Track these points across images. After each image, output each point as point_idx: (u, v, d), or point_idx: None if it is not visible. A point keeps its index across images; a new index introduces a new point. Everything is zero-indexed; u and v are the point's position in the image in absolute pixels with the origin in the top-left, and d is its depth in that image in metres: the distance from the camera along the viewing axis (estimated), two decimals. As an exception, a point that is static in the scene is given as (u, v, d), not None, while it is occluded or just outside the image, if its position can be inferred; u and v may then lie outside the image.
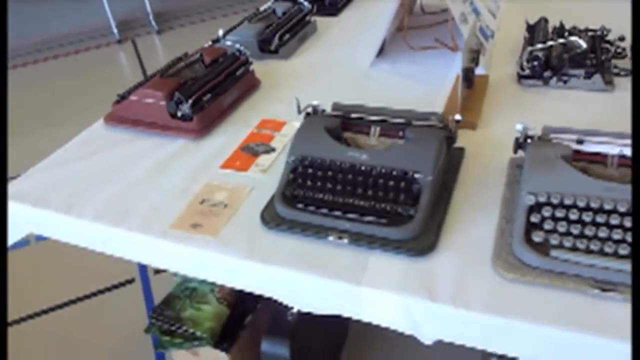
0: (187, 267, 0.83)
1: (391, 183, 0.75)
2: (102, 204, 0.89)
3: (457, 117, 0.84)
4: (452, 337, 0.69)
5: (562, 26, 1.17)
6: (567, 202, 0.68)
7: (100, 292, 1.62)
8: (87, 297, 1.61)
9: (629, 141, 0.74)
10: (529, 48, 1.05)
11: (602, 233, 0.65)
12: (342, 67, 1.25)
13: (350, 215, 0.75)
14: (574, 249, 0.65)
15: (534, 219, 0.68)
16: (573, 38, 1.03)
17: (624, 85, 1.05)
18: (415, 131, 0.81)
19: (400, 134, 0.83)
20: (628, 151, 0.73)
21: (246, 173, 0.92)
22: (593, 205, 0.67)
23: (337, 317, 0.75)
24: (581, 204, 0.67)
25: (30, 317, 1.57)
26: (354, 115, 0.87)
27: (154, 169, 0.96)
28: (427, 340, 0.70)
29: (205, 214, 0.84)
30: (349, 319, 0.73)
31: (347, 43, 1.36)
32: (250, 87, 1.15)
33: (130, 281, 1.63)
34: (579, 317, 0.62)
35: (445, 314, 0.66)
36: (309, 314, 0.76)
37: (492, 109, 1.03)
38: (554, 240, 0.66)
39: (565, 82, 1.05)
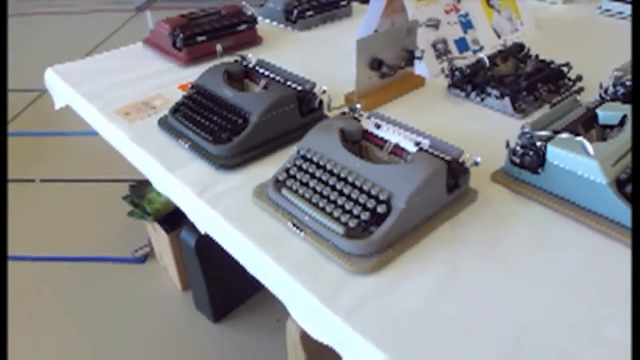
0: (111, 139, 1.16)
1: (230, 116, 0.98)
2: (97, 88, 1.27)
3: (323, 88, 1.02)
4: (205, 229, 0.90)
5: (526, 53, 1.20)
6: (315, 159, 0.83)
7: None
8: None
9: (409, 135, 0.85)
10: (452, 60, 1.13)
11: (319, 187, 0.80)
12: (334, 48, 1.44)
13: (196, 130, 0.99)
14: (295, 192, 0.82)
15: (288, 165, 0.86)
16: (482, 55, 1.09)
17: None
18: (276, 86, 1.02)
19: (270, 87, 1.03)
20: (403, 143, 0.84)
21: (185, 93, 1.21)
22: (328, 167, 0.82)
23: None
24: (321, 163, 0.82)
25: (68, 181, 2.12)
26: (257, 68, 1.10)
27: (144, 77, 1.31)
28: (202, 231, 0.93)
29: (139, 109, 1.16)
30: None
31: (364, 30, 1.54)
32: (250, 42, 1.43)
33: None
34: (268, 238, 0.79)
35: (201, 208, 0.88)
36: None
37: (403, 103, 1.15)
38: (288, 182, 0.83)
39: (482, 99, 1.11)
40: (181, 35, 1.31)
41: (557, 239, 0.77)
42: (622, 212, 0.76)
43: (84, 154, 2.33)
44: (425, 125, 1.05)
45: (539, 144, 0.82)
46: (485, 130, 1.05)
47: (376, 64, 1.11)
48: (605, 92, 1.03)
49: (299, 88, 1.01)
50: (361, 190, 0.77)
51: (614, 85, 1.02)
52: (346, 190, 0.78)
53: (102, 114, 1.16)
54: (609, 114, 0.90)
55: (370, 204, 0.75)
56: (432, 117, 1.10)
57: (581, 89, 1.13)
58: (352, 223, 0.74)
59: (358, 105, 0.94)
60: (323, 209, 0.78)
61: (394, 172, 0.77)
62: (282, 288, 0.76)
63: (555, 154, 0.80)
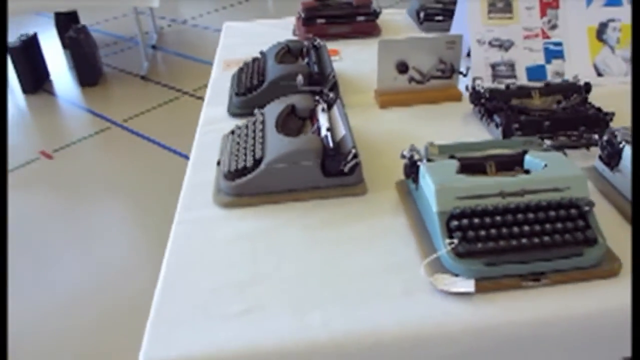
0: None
1: (258, 79, 1.23)
2: (234, 43, 1.65)
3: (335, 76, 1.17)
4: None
5: (578, 94, 1.07)
6: (258, 120, 1.03)
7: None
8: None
9: (336, 124, 0.96)
10: (475, 79, 1.11)
11: (241, 140, 1.00)
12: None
13: (238, 84, 1.27)
14: (233, 140, 1.03)
15: (246, 121, 1.07)
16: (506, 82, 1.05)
17: (530, 157, 0.99)
18: (301, 65, 1.21)
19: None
20: (322, 128, 0.96)
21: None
22: (257, 127, 1.00)
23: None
24: (257, 124, 1.01)
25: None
26: (310, 50, 1.30)
27: (270, 42, 1.61)
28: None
29: (238, 64, 1.49)
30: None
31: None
32: (366, 32, 1.60)
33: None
34: (202, 164, 1.04)
35: (198, 133, 1.17)
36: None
37: (420, 109, 1.19)
38: (237, 132, 1.05)
39: (488, 123, 1.08)
40: (304, 16, 1.58)
41: (382, 244, 0.81)
42: (438, 241, 0.75)
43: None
44: (419, 132, 1.10)
45: (418, 162, 0.84)
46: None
47: (403, 67, 1.18)
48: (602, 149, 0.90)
49: (316, 70, 1.19)
50: (253, 148, 0.94)
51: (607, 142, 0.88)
52: (248, 146, 0.96)
53: (217, 60, 1.54)
54: (534, 160, 0.83)
55: (249, 158, 0.92)
56: (434, 128, 1.12)
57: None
58: (233, 168, 0.93)
59: (331, 93, 1.07)
60: (230, 154, 0.98)
61: (280, 142, 0.92)
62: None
63: (422, 174, 0.82)
